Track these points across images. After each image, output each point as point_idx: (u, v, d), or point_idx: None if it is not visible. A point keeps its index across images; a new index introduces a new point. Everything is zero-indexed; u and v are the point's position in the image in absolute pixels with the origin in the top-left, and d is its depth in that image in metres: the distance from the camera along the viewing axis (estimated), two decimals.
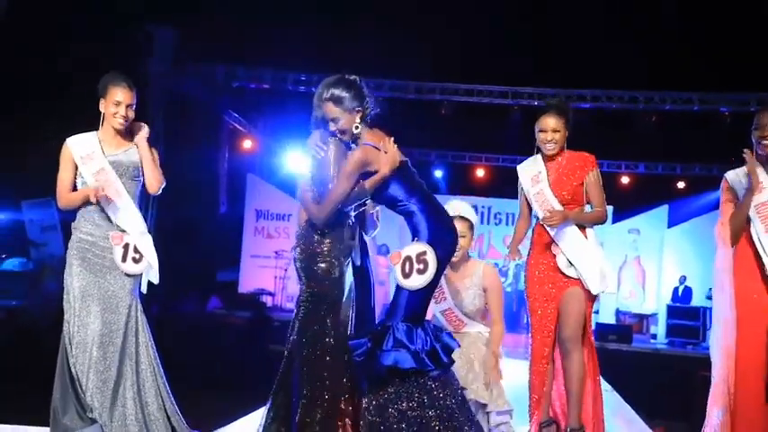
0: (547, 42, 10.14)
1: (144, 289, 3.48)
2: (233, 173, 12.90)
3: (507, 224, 12.96)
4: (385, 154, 3.00)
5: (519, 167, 3.83)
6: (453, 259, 3.60)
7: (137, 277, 3.45)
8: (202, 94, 11.16)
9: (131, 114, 3.48)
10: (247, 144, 13.04)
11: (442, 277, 3.58)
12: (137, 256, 3.41)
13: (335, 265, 3.07)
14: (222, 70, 10.58)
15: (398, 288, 2.99)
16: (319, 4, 9.48)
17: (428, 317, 3.30)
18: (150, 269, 3.47)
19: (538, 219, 3.69)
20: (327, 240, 3.08)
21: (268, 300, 11.82)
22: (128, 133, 3.54)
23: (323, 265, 3.05)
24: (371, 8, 9.59)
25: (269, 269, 12.01)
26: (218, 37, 9.85)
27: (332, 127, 3.05)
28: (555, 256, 3.61)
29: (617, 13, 9.83)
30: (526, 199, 3.75)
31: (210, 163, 12.30)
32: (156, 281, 3.48)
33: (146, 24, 9.84)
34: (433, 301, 3.59)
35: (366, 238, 3.56)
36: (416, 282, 2.93)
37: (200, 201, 11.14)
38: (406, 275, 2.94)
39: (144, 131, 3.53)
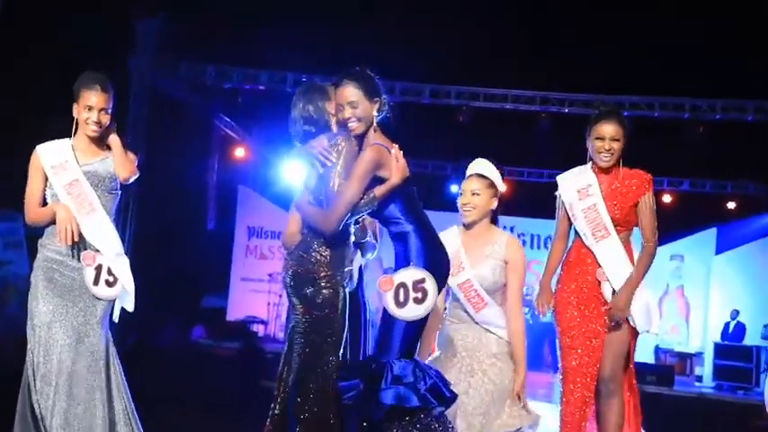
0: (579, 42, 10.17)
1: (116, 317, 3.49)
2: (223, 184, 12.96)
3: (533, 247, 12.94)
4: (396, 161, 3.01)
5: (560, 178, 3.82)
6: (466, 220, 3.67)
7: (109, 303, 3.45)
8: (190, 95, 11.24)
9: (105, 120, 3.50)
10: (240, 152, 13.10)
11: (460, 245, 3.64)
12: (110, 278, 3.42)
13: (338, 289, 3.07)
14: (213, 69, 10.66)
15: (389, 318, 2.98)
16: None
17: (440, 298, 3.38)
18: (125, 295, 3.47)
19: (577, 235, 3.69)
20: (328, 260, 3.06)
21: (260, 329, 11.81)
22: (103, 140, 3.56)
23: (325, 291, 3.04)
24: (381, 2, 9.67)
25: (261, 294, 12.01)
26: (208, 32, 9.93)
27: (347, 113, 3.07)
28: (599, 283, 3.60)
29: (659, 10, 9.86)
30: (567, 215, 3.74)
31: (198, 173, 12.37)
32: (130, 308, 3.48)
33: (128, 17, 9.94)
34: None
35: (362, 259, 3.56)
36: (412, 312, 2.94)
37: (184, 215, 11.18)
38: (400, 304, 2.95)
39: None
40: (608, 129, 3.64)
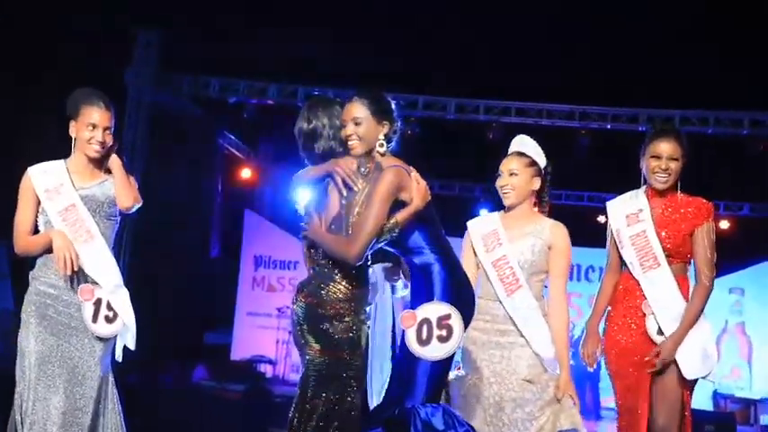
0: (623, 52, 10.17)
1: (119, 356, 3.51)
2: (227, 209, 13.04)
3: (572, 278, 12.87)
4: (417, 184, 3.06)
5: (610, 204, 3.85)
6: (506, 203, 3.72)
7: (109, 341, 3.47)
8: (191, 111, 11.37)
9: (109, 140, 3.55)
10: (246, 173, 13.19)
11: (499, 223, 3.69)
12: (110, 314, 3.43)
13: (361, 327, 3.08)
14: (216, 83, 10.79)
15: (412, 358, 3.00)
16: (337, 4, 9.65)
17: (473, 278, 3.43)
18: (126, 331, 3.50)
19: (625, 267, 3.69)
20: (349, 295, 3.07)
21: (267, 369, 11.81)
22: (102, 162, 3.61)
23: (345, 328, 3.04)
24: (401, 10, 9.75)
25: (269, 330, 12.03)
26: (211, 43, 10.06)
27: (348, 130, 3.14)
28: (644, 316, 3.60)
29: (714, 15, 9.85)
30: (617, 246, 3.76)
31: (200, 196, 12.44)
32: (132, 346, 3.51)
33: (127, 28, 10.09)
34: (483, 249, 3.63)
35: (393, 297, 3.60)
36: (437, 352, 2.96)
37: (184, 243, 11.23)
38: (423, 342, 2.97)
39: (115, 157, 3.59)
40: (665, 147, 3.66)
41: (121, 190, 3.56)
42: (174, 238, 10.59)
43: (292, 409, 3.10)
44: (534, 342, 3.59)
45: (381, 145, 3.13)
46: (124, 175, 3.58)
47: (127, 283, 3.57)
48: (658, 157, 3.67)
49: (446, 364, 3.03)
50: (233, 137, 12.85)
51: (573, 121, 10.62)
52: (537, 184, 3.75)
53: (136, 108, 10.27)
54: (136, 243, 9.57)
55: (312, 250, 3.21)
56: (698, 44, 9.84)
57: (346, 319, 3.05)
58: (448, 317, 2.97)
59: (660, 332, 3.58)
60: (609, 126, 10.43)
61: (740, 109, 10.39)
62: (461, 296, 3.07)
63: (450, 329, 2.96)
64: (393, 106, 3.19)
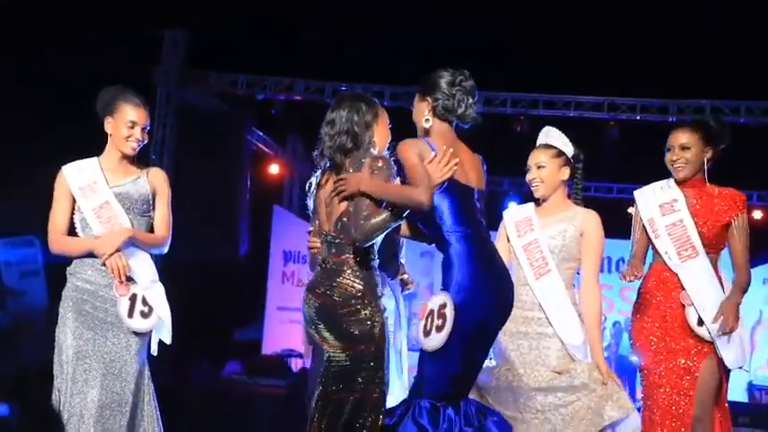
0: (652, 42, 10.07)
1: (154, 350, 3.56)
2: (256, 205, 13.07)
3: (602, 271, 12.81)
4: (438, 163, 3.09)
5: (639, 193, 3.85)
6: (536, 195, 3.74)
7: (145, 336, 3.53)
8: (219, 107, 11.44)
9: (146, 138, 3.63)
10: (274, 169, 13.24)
11: (533, 210, 3.71)
12: (146, 309, 3.48)
13: (379, 318, 3.09)
14: (244, 79, 10.85)
15: (422, 353, 3.04)
16: None
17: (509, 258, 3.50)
18: (161, 325, 3.55)
19: (655, 258, 3.67)
20: (363, 287, 3.09)
21: (296, 363, 11.87)
22: (134, 160, 3.66)
23: (367, 322, 3.05)
24: (426, 2, 9.74)
25: (299, 325, 12.04)
26: (238, 40, 10.12)
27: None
28: (684, 308, 3.58)
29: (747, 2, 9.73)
30: (645, 235, 3.74)
31: (228, 192, 12.50)
32: (167, 340, 3.56)
33: (153, 27, 10.18)
34: (516, 234, 3.65)
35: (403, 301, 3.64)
36: (433, 342, 2.98)
37: (213, 239, 11.30)
38: (426, 333, 3.01)
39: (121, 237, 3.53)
40: (675, 137, 3.70)
41: (150, 247, 3.61)
42: (203, 235, 10.66)
43: (314, 405, 3.10)
44: (562, 328, 3.58)
45: (427, 120, 3.21)
46: (145, 240, 3.60)
47: (162, 280, 3.61)
48: (670, 149, 3.69)
49: (456, 362, 3.00)
50: (261, 133, 12.89)
51: (602, 113, 10.55)
52: (566, 173, 3.76)
53: (164, 105, 10.37)
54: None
55: (321, 246, 3.24)
56: (729, 33, 9.73)
57: (362, 313, 3.07)
58: (444, 306, 2.98)
59: (701, 323, 3.55)
60: (638, 117, 10.35)
61: None
62: (487, 294, 3.06)
63: (444, 318, 2.97)
64: (439, 79, 3.21)
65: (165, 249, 3.66)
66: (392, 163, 3.15)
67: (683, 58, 10.15)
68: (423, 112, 3.22)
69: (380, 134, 3.31)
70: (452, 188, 3.09)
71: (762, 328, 12.09)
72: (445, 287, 3.05)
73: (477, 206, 3.14)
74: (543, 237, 3.66)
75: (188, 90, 10.74)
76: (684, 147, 3.68)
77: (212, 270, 10.97)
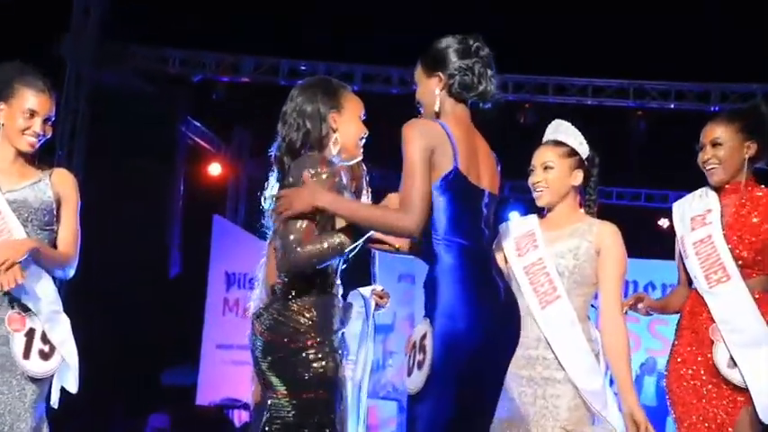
0: (688, 13, 10.14)
1: (54, 402, 3.52)
2: (192, 214, 13.04)
3: (626, 297, 12.87)
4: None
5: (676, 205, 3.88)
6: (539, 203, 3.74)
7: (44, 382, 3.47)
8: (145, 91, 11.39)
9: (49, 132, 3.59)
10: (215, 169, 13.21)
11: (536, 223, 3.73)
12: (46, 348, 3.44)
13: (332, 359, 3.12)
14: (176, 55, 10.82)
15: (409, 399, 3.04)
16: None
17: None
18: (66, 370, 3.51)
19: (693, 284, 3.70)
20: (314, 322, 3.11)
21: (239, 416, 11.81)
22: (34, 158, 3.63)
23: (315, 364, 3.08)
24: None
25: (244, 367, 11.97)
26: (170, 7, 10.08)
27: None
28: (712, 344, 3.60)
29: None
30: (682, 258, 3.79)
31: (156, 199, 12.45)
32: (74, 389, 3.52)
33: None
34: (516, 254, 3.64)
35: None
36: (414, 382, 2.98)
37: (136, 258, 11.24)
38: (409, 371, 3.01)
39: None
40: (706, 132, 3.74)
41: (55, 267, 3.57)
42: (124, 251, 10.59)
43: None
44: (574, 370, 3.56)
45: (435, 101, 3.21)
46: (49, 258, 3.55)
47: (66, 310, 3.58)
48: (702, 147, 3.73)
49: (444, 405, 2.97)
50: (198, 124, 12.87)
51: (626, 100, 10.64)
52: (578, 178, 3.76)
53: (74, 87, 10.28)
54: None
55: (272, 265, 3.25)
56: None
57: (311, 353, 3.08)
58: (425, 336, 2.97)
59: (732, 363, 3.56)
60: (672, 105, 10.45)
61: None
62: (492, 292, 3.06)
63: (425, 352, 2.96)
64: (446, 50, 3.22)
65: (71, 272, 3.62)
66: (334, 171, 3.13)
67: (728, 33, 10.22)
68: (432, 91, 3.18)
69: (347, 128, 3.28)
70: (456, 184, 3.06)
71: None
72: (428, 313, 3.02)
73: (483, 213, 3.13)
74: (550, 255, 3.65)
75: (105, 68, 10.68)
76: (716, 142, 3.69)
77: (134, 297, 10.89)
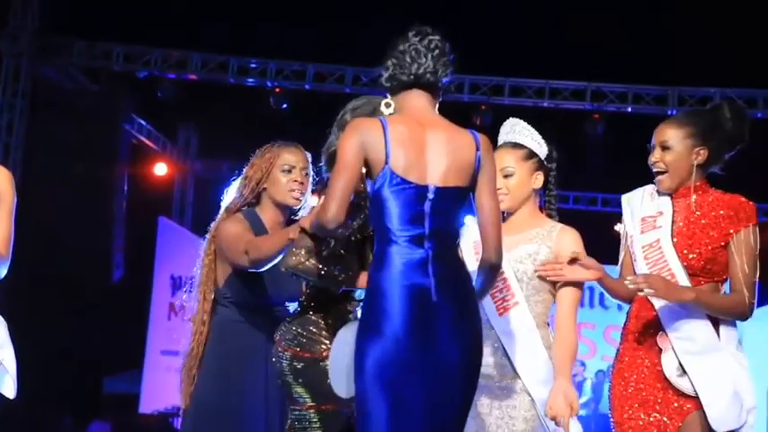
0: (648, 15, 10.22)
1: None
2: (136, 215, 12.94)
3: (582, 305, 12.81)
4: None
5: (626, 198, 3.87)
6: (501, 207, 3.60)
7: None
8: (87, 87, 11.30)
9: None
10: (161, 169, 13.12)
11: None
12: None
13: None
14: (120, 50, 10.73)
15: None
16: None
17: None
18: (4, 374, 3.49)
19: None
20: (328, 330, 3.31)
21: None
22: None
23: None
24: None
25: None
26: (115, 0, 10.00)
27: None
28: (660, 352, 3.62)
29: None
30: (629, 252, 3.80)
31: (98, 199, 12.34)
32: (11, 394, 3.50)
33: None
34: (475, 258, 3.55)
35: None
36: (349, 386, 3.04)
37: (78, 260, 11.14)
38: (344, 376, 3.11)
39: None
40: (657, 133, 3.69)
41: None
42: (65, 253, 10.49)
43: None
44: (531, 379, 3.57)
45: (388, 105, 3.22)
46: None
47: (4, 314, 3.55)
48: (653, 147, 3.70)
49: (371, 408, 2.97)
50: (143, 122, 12.78)
51: (584, 102, 10.72)
52: (539, 181, 3.74)
53: (12, 82, 10.17)
54: (12, 261, 9.45)
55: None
56: (745, 4, 9.92)
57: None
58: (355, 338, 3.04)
59: (682, 371, 3.59)
60: (630, 109, 10.55)
61: None
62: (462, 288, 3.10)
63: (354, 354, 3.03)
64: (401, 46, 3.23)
65: (4, 272, 3.60)
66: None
67: (685, 35, 10.32)
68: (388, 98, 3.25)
69: None
70: (388, 182, 3.06)
71: None
72: (362, 312, 3.08)
73: (424, 210, 3.11)
74: (508, 260, 3.62)
75: (45, 63, 10.58)
76: (665, 146, 3.65)
77: (75, 301, 10.80)
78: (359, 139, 3.04)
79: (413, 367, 3.00)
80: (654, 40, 10.40)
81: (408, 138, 3.09)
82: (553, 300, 3.68)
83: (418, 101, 3.20)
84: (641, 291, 3.48)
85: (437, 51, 3.22)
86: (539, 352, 3.61)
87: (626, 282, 3.54)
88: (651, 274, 3.56)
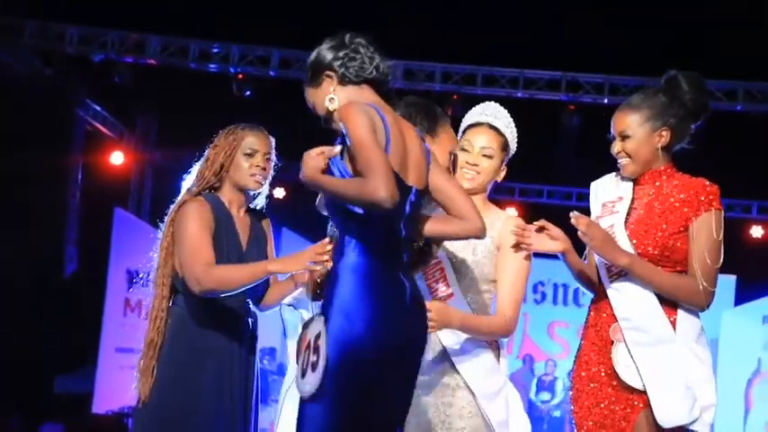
0: (619, 7, 10.24)
1: None
2: (90, 207, 12.87)
3: (556, 302, 13.05)
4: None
5: (594, 185, 3.87)
6: (465, 185, 3.66)
7: None
8: (39, 71, 11.21)
9: None
10: (117, 158, 13.04)
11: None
12: None
13: None
14: (75, 32, 10.65)
15: (302, 404, 3.04)
16: None
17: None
18: None
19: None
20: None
21: None
22: None
23: None
24: None
25: None
26: None
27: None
28: (612, 343, 3.62)
29: None
30: None
31: (51, 189, 12.27)
32: None
33: None
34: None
35: None
36: (307, 384, 2.99)
37: (28, 253, 11.07)
38: (302, 373, 3.03)
39: None
40: (614, 122, 3.68)
41: None
42: (15, 246, 10.41)
43: None
44: (470, 374, 3.59)
45: (332, 100, 3.19)
46: None
47: None
48: (613, 138, 3.69)
49: (336, 409, 2.98)
50: (99, 108, 12.69)
51: (559, 93, 10.75)
52: (502, 176, 3.82)
53: None
54: None
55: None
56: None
57: None
58: (319, 335, 2.99)
59: (632, 364, 3.57)
60: (606, 100, 10.59)
61: None
62: (397, 293, 3.08)
63: (318, 351, 2.98)
64: (326, 49, 3.25)
65: None
66: None
67: (663, 23, 10.37)
68: (327, 94, 3.21)
69: (437, 154, 3.38)
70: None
71: (760, 381, 12.38)
72: (324, 311, 3.03)
73: (406, 211, 3.13)
74: (446, 253, 3.66)
75: None
76: (625, 135, 3.63)
77: (25, 296, 10.74)
78: (368, 118, 3.02)
79: None
80: (631, 29, 10.44)
81: (395, 131, 3.10)
82: (494, 292, 3.69)
83: (374, 98, 3.20)
84: (579, 233, 3.50)
85: (380, 55, 3.27)
86: (478, 345, 3.62)
87: (571, 215, 3.53)
88: (596, 224, 3.57)
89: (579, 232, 3.51)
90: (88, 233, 12.80)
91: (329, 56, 3.22)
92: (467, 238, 3.31)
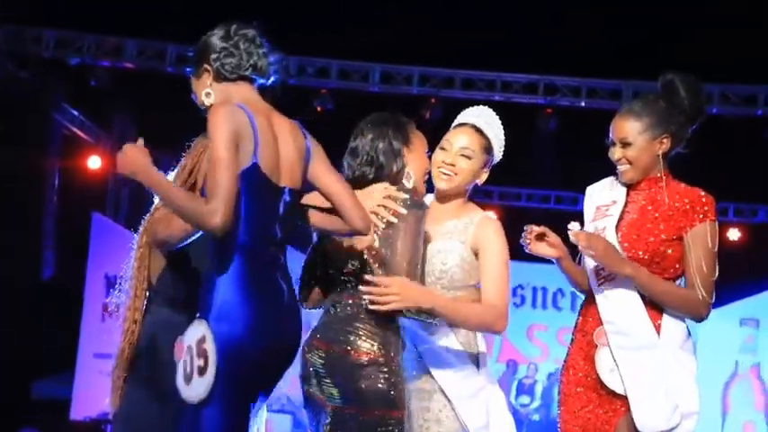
0: (596, 9, 10.27)
1: None
2: (67, 211, 12.82)
3: (535, 305, 13.04)
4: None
5: (590, 188, 3.91)
6: (441, 186, 3.71)
7: None
8: (15, 75, 11.16)
9: None
10: (94, 162, 12.97)
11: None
12: None
13: (401, 379, 3.39)
14: (52, 35, 10.61)
15: (188, 410, 3.06)
16: None
17: None
18: None
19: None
20: (382, 338, 3.39)
21: None
22: None
23: (383, 381, 3.31)
24: None
25: None
26: None
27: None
28: (596, 348, 3.64)
29: None
30: None
31: (27, 193, 12.22)
32: None
33: None
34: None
35: None
36: (196, 390, 3.02)
37: (6, 258, 11.04)
38: (188, 379, 3.05)
39: None
40: (615, 128, 3.70)
41: None
42: None
43: None
44: (445, 379, 3.60)
45: (208, 95, 3.24)
46: None
47: None
48: (613, 143, 3.72)
49: (224, 408, 3.03)
50: (76, 112, 12.64)
51: (536, 96, 10.78)
52: (483, 179, 3.80)
53: None
54: None
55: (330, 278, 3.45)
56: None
57: (385, 370, 3.31)
58: (203, 339, 3.01)
59: (615, 368, 3.59)
60: (583, 103, 10.63)
61: (752, 83, 10.58)
62: (275, 297, 3.15)
63: (206, 356, 3.00)
64: (213, 38, 3.28)
65: None
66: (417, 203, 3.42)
67: (638, 25, 10.38)
68: (205, 85, 3.26)
69: (416, 164, 3.56)
70: (253, 181, 3.06)
71: (738, 383, 12.37)
72: (203, 314, 3.06)
73: (279, 212, 3.15)
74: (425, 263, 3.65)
75: None
76: (626, 142, 3.67)
77: (1, 301, 10.70)
78: (232, 127, 3.02)
79: None
80: (607, 32, 10.46)
81: (267, 132, 3.13)
82: (473, 297, 3.68)
83: (253, 91, 3.25)
84: (581, 247, 3.55)
85: (265, 49, 3.31)
86: (454, 351, 3.64)
87: (569, 232, 3.57)
88: (595, 235, 3.62)
89: (580, 247, 3.55)
90: (65, 238, 12.75)
91: (209, 48, 3.27)
92: (350, 235, 3.34)
